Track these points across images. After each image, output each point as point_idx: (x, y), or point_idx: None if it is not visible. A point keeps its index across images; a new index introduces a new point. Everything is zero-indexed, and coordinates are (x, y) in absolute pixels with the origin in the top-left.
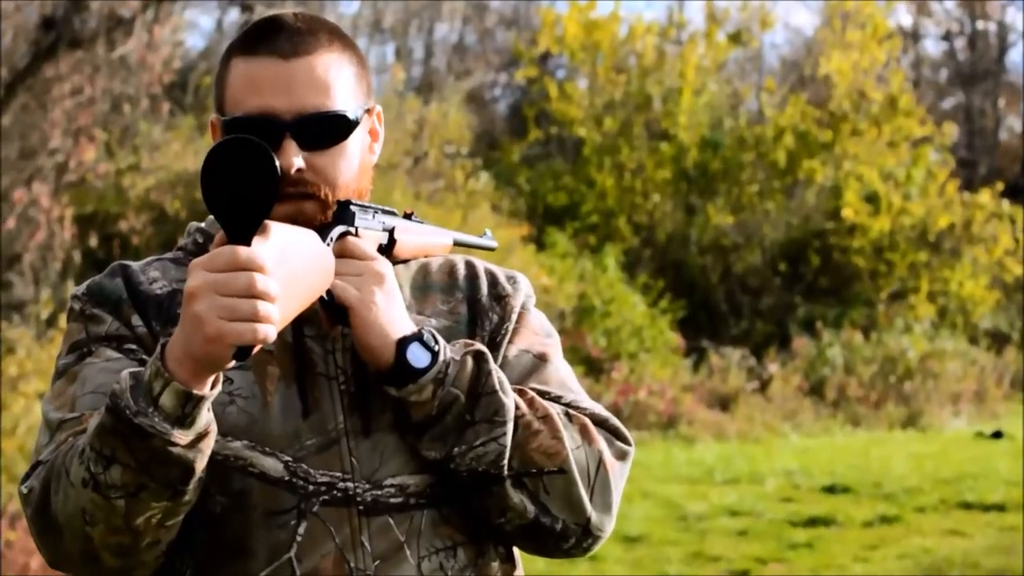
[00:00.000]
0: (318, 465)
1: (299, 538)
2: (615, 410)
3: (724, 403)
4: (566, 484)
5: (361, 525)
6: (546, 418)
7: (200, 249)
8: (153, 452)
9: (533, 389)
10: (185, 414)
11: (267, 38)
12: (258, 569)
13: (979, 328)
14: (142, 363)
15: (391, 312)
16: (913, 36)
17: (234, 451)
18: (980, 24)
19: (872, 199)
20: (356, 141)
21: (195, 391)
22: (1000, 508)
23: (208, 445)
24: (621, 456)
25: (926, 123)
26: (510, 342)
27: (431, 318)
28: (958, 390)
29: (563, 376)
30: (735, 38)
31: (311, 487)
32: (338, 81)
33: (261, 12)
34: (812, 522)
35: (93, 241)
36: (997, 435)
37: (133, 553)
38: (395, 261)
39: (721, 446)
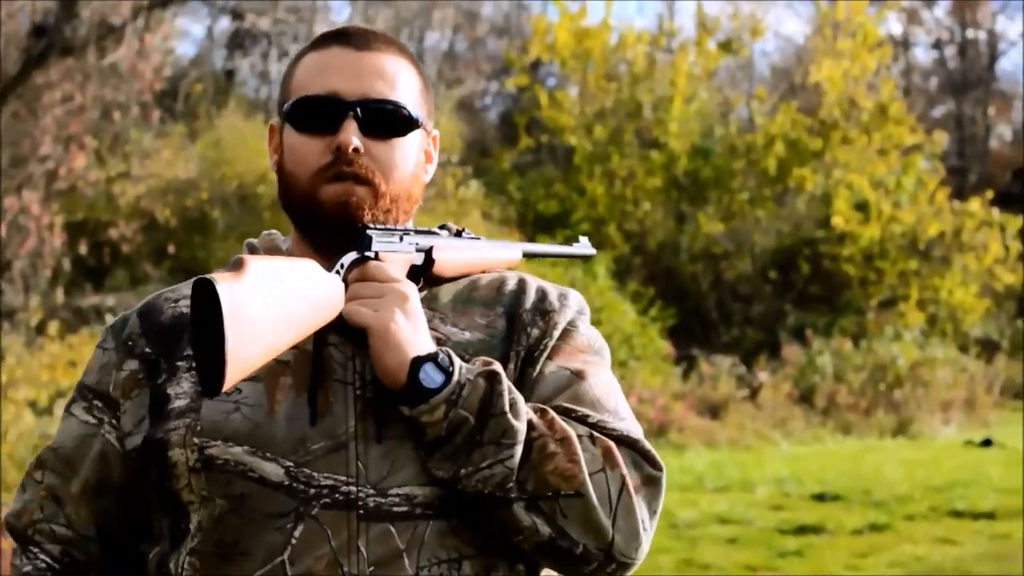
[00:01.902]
0: (323, 468)
1: (294, 541)
2: None
3: (714, 411)
4: (584, 508)
5: (360, 530)
6: (564, 440)
7: None
8: None
9: (560, 407)
10: None
11: (340, 35)
12: (252, 570)
13: (969, 336)
14: (98, 423)
15: (411, 333)
16: (904, 44)
17: (234, 456)
18: (970, 33)
19: (862, 207)
20: (414, 145)
21: None
22: (990, 516)
23: None
24: (649, 481)
25: (916, 131)
26: (549, 358)
27: (465, 331)
28: (948, 398)
29: (598, 395)
30: (726, 46)
31: (312, 490)
32: (404, 82)
33: (252, 21)
34: (802, 530)
35: (83, 248)
36: (987, 443)
37: None
38: (439, 280)
39: (711, 454)
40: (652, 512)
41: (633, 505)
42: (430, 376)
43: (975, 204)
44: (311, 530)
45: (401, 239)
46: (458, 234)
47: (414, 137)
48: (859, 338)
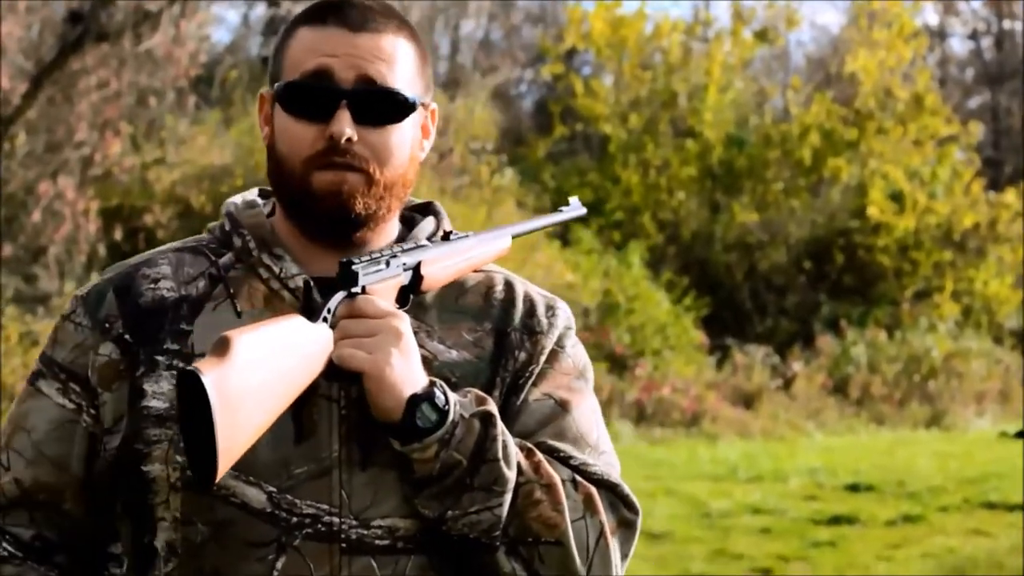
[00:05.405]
0: (306, 495)
1: (276, 573)
2: (639, 407)
3: (748, 401)
4: (562, 556)
5: (342, 564)
6: (549, 487)
7: (226, 237)
8: None
9: (545, 445)
10: None
11: (337, 11)
12: None
13: (1004, 328)
14: (77, 408)
15: (406, 372)
16: (939, 35)
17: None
18: (1007, 23)
19: (897, 198)
20: (410, 128)
21: None
22: None
23: None
24: (625, 524)
25: (952, 122)
26: (534, 384)
27: (452, 349)
28: (982, 389)
29: (582, 429)
30: (761, 36)
31: (294, 519)
32: (401, 64)
33: (287, 7)
34: (835, 521)
35: (118, 234)
36: (1021, 435)
37: None
38: (426, 293)
39: (745, 444)
40: (624, 555)
41: (609, 552)
42: (425, 415)
43: (1010, 195)
44: (293, 562)
45: (388, 264)
46: (446, 236)
47: (410, 120)
48: (893, 329)
